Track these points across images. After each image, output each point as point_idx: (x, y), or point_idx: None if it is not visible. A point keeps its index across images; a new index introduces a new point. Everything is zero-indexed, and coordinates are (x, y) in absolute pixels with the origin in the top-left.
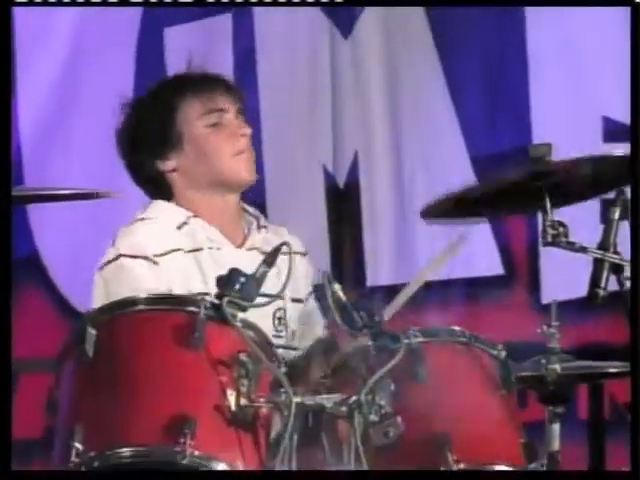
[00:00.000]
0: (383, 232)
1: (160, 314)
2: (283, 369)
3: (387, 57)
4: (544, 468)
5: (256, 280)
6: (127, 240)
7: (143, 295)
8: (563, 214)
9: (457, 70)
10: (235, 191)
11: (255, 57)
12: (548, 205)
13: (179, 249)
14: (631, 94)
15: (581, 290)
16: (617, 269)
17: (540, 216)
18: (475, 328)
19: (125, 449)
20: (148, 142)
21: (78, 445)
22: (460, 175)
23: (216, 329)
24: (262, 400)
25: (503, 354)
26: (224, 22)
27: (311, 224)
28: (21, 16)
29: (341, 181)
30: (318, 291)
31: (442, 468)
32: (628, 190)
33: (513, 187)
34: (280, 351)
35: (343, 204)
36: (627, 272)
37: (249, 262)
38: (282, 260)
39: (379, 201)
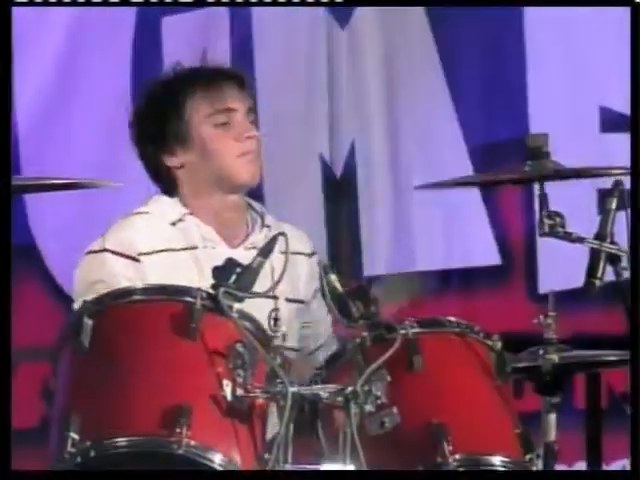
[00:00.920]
0: (380, 222)
1: (156, 304)
2: (279, 360)
3: (384, 48)
4: (540, 458)
5: (252, 271)
6: (116, 235)
7: (140, 285)
8: (560, 204)
9: (455, 60)
10: (237, 192)
11: (252, 47)
12: (545, 195)
13: (169, 249)
14: (631, 94)
15: (578, 280)
16: (614, 259)
17: (537, 206)
18: (472, 318)
19: (121, 439)
20: (157, 136)
21: (74, 435)
22: (457, 165)
23: (212, 319)
24: (258, 390)
25: (499, 344)
26: (222, 12)
27: (308, 214)
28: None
29: (338, 171)
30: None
31: (438, 459)
32: (625, 180)
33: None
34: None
35: (340, 194)
36: (624, 262)
37: (246, 261)
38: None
39: (376, 191)
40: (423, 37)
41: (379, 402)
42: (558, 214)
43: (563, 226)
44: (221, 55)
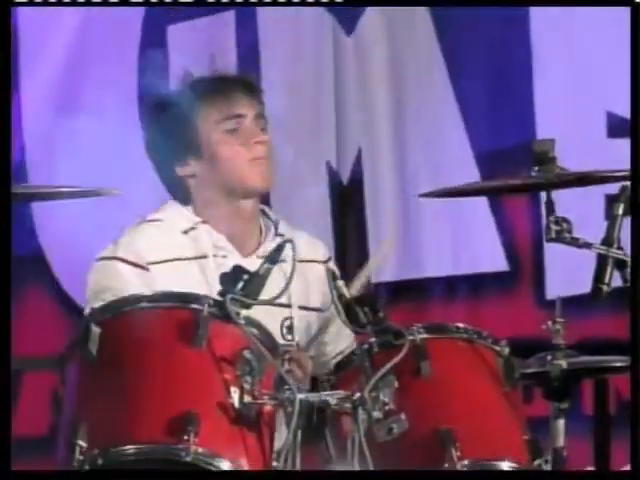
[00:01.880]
0: (387, 229)
1: (163, 311)
2: (287, 366)
3: (391, 54)
4: (549, 464)
5: (260, 277)
6: (127, 243)
7: (147, 292)
8: (567, 210)
9: (461, 66)
10: (249, 198)
11: (259, 53)
12: (552, 201)
13: (179, 258)
14: (631, 94)
15: (585, 286)
16: (621, 265)
17: (544, 212)
18: (479, 324)
19: (129, 447)
20: (168, 146)
21: (82, 443)
22: (464, 171)
23: (220, 326)
24: (266, 397)
25: (506, 350)
26: (227, 18)
27: (315, 220)
28: (25, 16)
29: (345, 177)
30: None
31: (446, 465)
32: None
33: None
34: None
35: (347, 200)
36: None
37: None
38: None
39: (383, 197)
40: (429, 44)
41: (387, 408)
42: (565, 220)
43: (570, 232)
44: (228, 62)
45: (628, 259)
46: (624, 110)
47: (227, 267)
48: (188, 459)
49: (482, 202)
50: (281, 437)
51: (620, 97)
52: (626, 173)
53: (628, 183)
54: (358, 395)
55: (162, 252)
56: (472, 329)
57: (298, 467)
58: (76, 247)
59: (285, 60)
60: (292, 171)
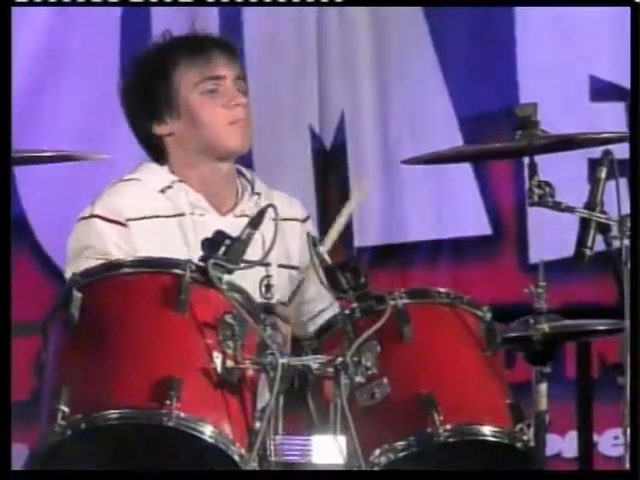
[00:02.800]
0: (370, 193)
1: (145, 277)
2: (269, 331)
3: (374, 20)
4: (531, 428)
5: (242, 242)
6: (105, 201)
7: (129, 258)
8: (549, 173)
9: (444, 31)
10: (227, 159)
11: (241, 17)
12: (534, 165)
13: (157, 215)
14: (631, 94)
15: (568, 250)
16: (604, 228)
17: (527, 176)
18: (462, 289)
19: (112, 411)
20: (146, 104)
21: (64, 408)
22: (447, 135)
23: (202, 291)
24: (248, 362)
25: (488, 315)
26: None
27: (298, 186)
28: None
29: (328, 142)
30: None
31: (428, 429)
32: (615, 149)
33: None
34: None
35: (330, 164)
36: (614, 231)
37: (235, 229)
38: (270, 227)
39: (366, 162)
40: (413, 11)
41: (369, 373)
42: (548, 184)
43: (552, 196)
44: (210, 24)
45: (611, 223)
46: (607, 74)
47: (204, 225)
48: (171, 424)
49: (465, 167)
50: (263, 402)
51: (603, 61)
52: (609, 135)
53: (610, 147)
54: (340, 360)
55: (140, 209)
56: (454, 294)
57: (280, 431)
58: (59, 212)
59: (268, 26)
60: (275, 134)
